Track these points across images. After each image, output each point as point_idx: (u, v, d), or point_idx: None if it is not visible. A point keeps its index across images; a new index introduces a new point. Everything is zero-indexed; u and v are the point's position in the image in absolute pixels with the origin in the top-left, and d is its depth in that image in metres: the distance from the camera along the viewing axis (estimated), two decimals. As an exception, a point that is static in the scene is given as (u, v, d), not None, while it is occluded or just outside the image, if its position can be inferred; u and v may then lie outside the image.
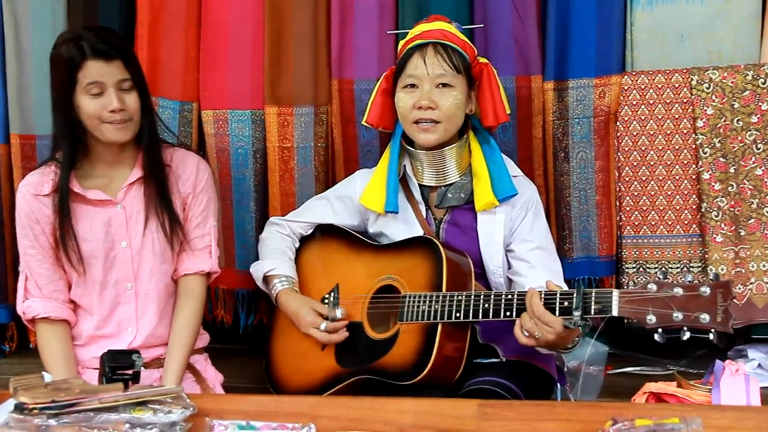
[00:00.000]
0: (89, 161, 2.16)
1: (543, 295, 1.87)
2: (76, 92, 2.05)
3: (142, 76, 2.14)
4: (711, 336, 1.68)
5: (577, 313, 1.81)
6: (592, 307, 1.80)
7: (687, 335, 1.69)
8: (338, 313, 2.17)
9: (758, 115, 2.52)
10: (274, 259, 2.31)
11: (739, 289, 2.54)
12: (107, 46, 2.05)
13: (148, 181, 2.17)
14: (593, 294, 1.81)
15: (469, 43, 2.22)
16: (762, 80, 2.51)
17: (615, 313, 1.77)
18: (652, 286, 1.71)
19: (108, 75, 2.05)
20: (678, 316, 1.68)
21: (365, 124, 2.32)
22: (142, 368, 1.73)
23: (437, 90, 2.13)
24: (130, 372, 1.68)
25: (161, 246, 2.19)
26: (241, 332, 2.85)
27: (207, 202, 2.26)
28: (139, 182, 2.18)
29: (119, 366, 1.68)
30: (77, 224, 2.15)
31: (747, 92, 2.51)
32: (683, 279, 1.70)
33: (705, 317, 1.66)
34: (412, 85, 2.16)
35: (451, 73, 2.13)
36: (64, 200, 2.11)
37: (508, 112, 2.25)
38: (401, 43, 2.26)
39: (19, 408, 1.47)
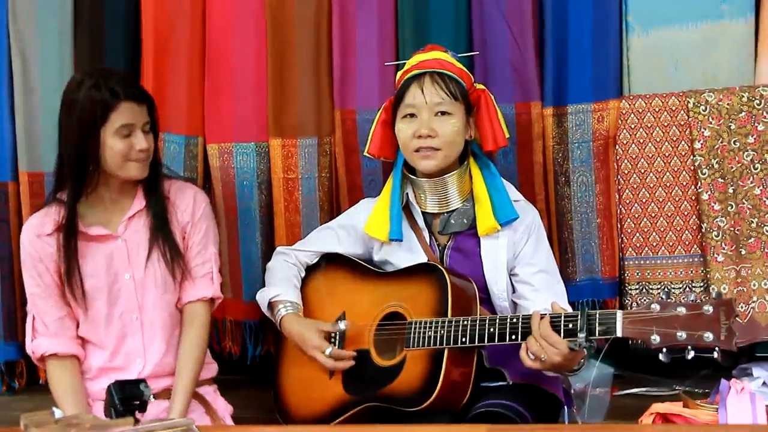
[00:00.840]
0: (89, 198, 2.21)
1: (549, 317, 1.89)
2: (103, 132, 2.11)
3: (156, 119, 2.22)
4: (715, 354, 1.69)
5: (581, 335, 1.83)
6: (597, 328, 1.82)
7: (691, 354, 1.70)
8: (342, 325, 2.19)
9: (755, 136, 2.54)
10: (280, 286, 2.34)
11: (742, 307, 2.54)
12: (138, 90, 2.16)
13: (148, 212, 2.22)
14: (597, 315, 1.83)
15: (466, 70, 2.26)
16: (757, 101, 2.53)
17: (619, 333, 1.78)
18: (656, 306, 1.73)
19: (138, 117, 2.14)
20: (682, 335, 1.69)
21: (367, 155, 2.35)
22: (152, 398, 1.75)
23: (436, 118, 2.16)
24: (138, 402, 1.70)
25: (163, 276, 2.22)
26: (249, 363, 2.85)
27: (206, 230, 2.30)
28: (140, 214, 2.23)
29: (127, 396, 1.69)
30: (81, 261, 2.18)
31: (743, 113, 2.54)
32: (686, 298, 1.72)
33: (709, 336, 1.67)
34: (412, 115, 2.19)
35: (449, 101, 2.17)
36: (70, 239, 2.15)
37: (507, 136, 2.28)
38: (399, 73, 2.30)
39: None
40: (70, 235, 2.16)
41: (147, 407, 1.70)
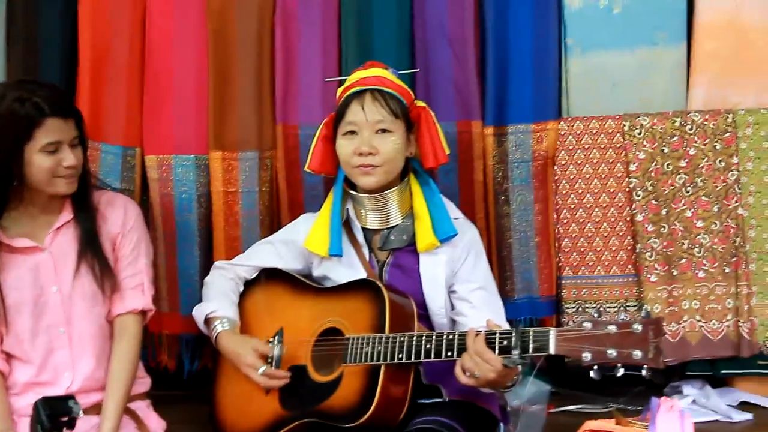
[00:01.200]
0: (14, 210, 2.15)
1: (484, 334, 1.91)
2: (27, 149, 2.04)
3: (84, 131, 2.16)
4: (644, 372, 1.72)
5: (515, 352, 1.84)
6: (531, 345, 1.84)
7: (621, 372, 1.73)
8: (277, 350, 2.17)
9: (686, 160, 2.61)
10: (217, 301, 2.31)
11: (673, 327, 2.60)
12: (65, 103, 2.08)
13: (77, 225, 2.18)
14: (531, 333, 1.85)
15: (406, 87, 2.27)
16: (689, 126, 2.61)
17: (552, 351, 1.81)
18: (588, 324, 1.76)
19: (65, 132, 2.07)
20: (612, 353, 1.72)
21: (308, 170, 2.35)
22: (81, 414, 1.71)
23: (377, 136, 2.18)
24: (66, 419, 1.66)
25: (92, 289, 2.18)
26: (185, 378, 2.81)
27: (137, 241, 2.26)
28: (67, 226, 2.18)
29: (55, 413, 1.66)
30: (4, 274, 2.13)
31: (676, 138, 2.61)
32: (618, 317, 1.75)
33: (637, 353, 1.71)
34: (352, 132, 2.20)
35: (390, 119, 2.18)
36: None
37: (448, 152, 2.30)
38: (340, 90, 2.30)
39: None
40: None
41: (76, 424, 1.67)
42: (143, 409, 2.30)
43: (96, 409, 2.17)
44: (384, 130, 2.18)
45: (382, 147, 2.17)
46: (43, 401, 1.68)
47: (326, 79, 2.60)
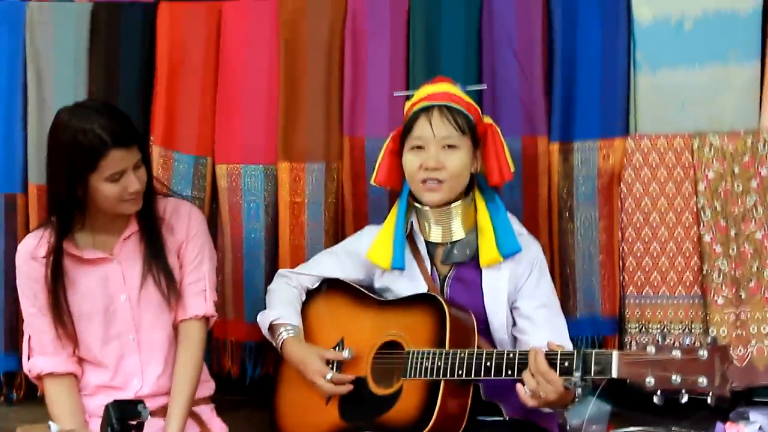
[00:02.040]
0: (83, 222, 2.20)
1: (545, 355, 1.90)
2: (91, 178, 2.07)
3: (147, 148, 2.20)
4: (709, 399, 1.69)
5: (577, 374, 1.83)
6: (592, 367, 1.83)
7: (685, 398, 1.71)
8: (347, 354, 2.19)
9: (758, 180, 2.55)
10: (281, 308, 2.35)
11: (740, 351, 2.55)
12: (127, 132, 2.08)
13: (142, 235, 2.22)
14: (593, 355, 1.84)
15: (474, 104, 2.28)
16: (761, 145, 2.55)
17: (614, 374, 1.79)
18: (651, 349, 1.74)
19: (128, 160, 2.08)
20: (677, 379, 1.70)
21: (374, 183, 2.38)
22: (149, 418, 1.77)
23: (443, 151, 2.19)
24: (135, 422, 1.71)
25: (158, 298, 2.22)
26: (248, 384, 2.85)
27: (201, 247, 2.30)
28: (135, 236, 2.23)
29: (125, 416, 1.71)
30: (76, 284, 2.19)
31: (747, 157, 2.56)
32: (683, 342, 1.72)
33: (703, 381, 1.68)
34: (419, 147, 2.21)
35: (457, 135, 2.19)
36: (56, 275, 2.15)
37: (513, 170, 2.29)
38: (407, 104, 2.32)
39: None
40: (56, 270, 2.15)
41: (143, 428, 1.72)
42: (207, 413, 2.35)
43: (162, 411, 2.22)
44: (451, 146, 2.19)
45: (449, 162, 2.18)
46: (113, 404, 1.73)
47: (395, 93, 2.62)
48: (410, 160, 2.22)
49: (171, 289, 2.22)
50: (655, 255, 2.64)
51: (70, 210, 2.13)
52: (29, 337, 2.23)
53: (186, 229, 2.28)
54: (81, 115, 2.07)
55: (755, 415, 2.60)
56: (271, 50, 2.80)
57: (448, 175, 2.18)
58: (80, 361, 2.25)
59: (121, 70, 2.85)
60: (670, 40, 2.62)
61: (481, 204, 2.27)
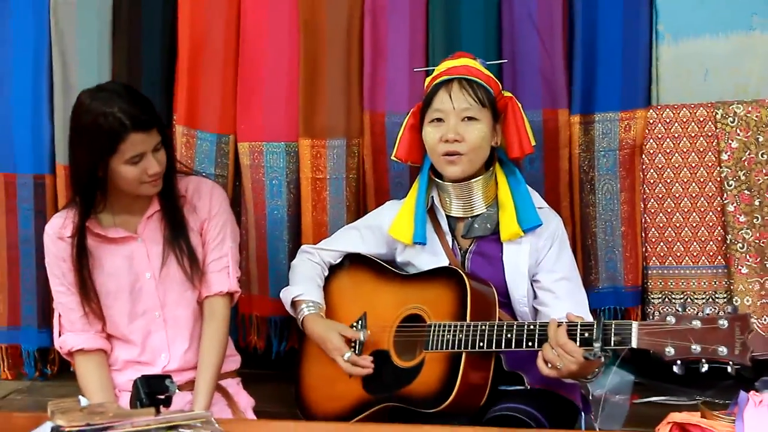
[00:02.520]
0: (108, 202, 2.23)
1: (565, 326, 1.91)
2: (111, 161, 2.10)
3: (166, 130, 2.21)
4: (729, 368, 1.70)
5: (597, 345, 1.84)
6: (612, 338, 1.83)
7: (705, 368, 1.71)
8: (362, 336, 2.23)
9: (783, 149, 2.54)
10: (303, 285, 2.38)
11: (765, 320, 2.54)
12: (146, 115, 2.10)
13: (164, 216, 2.25)
14: (613, 325, 1.85)
15: (494, 77, 2.28)
16: (787, 114, 2.53)
17: (634, 345, 1.80)
18: (671, 319, 1.74)
19: (148, 143, 2.11)
20: (696, 348, 1.70)
21: (394, 158, 2.39)
22: (177, 392, 1.80)
23: (463, 123, 2.19)
24: (163, 396, 1.74)
25: (181, 275, 2.26)
26: (273, 358, 2.90)
27: (223, 225, 2.32)
28: (157, 215, 2.26)
29: (153, 391, 1.73)
30: (102, 263, 2.23)
31: (772, 126, 2.54)
32: (702, 311, 1.72)
33: (723, 350, 1.68)
34: (439, 120, 2.22)
35: (476, 107, 2.19)
36: (81, 255, 2.19)
37: (534, 144, 2.29)
38: (428, 80, 2.32)
39: (56, 431, 1.50)
40: (80, 250, 2.19)
41: (171, 402, 1.75)
42: (234, 386, 2.38)
43: (190, 385, 2.26)
44: (470, 118, 2.19)
45: (468, 135, 2.18)
46: (142, 380, 1.75)
47: (415, 69, 2.62)
48: (430, 133, 2.23)
49: (193, 267, 2.25)
50: (677, 226, 2.63)
51: (92, 191, 2.17)
52: (59, 315, 2.28)
53: (208, 207, 2.31)
54: (101, 99, 2.09)
55: (780, 384, 2.60)
56: (291, 28, 2.81)
57: (467, 148, 2.18)
58: (109, 337, 2.30)
59: (144, 51, 2.88)
60: (692, 10, 2.60)
61: (501, 178, 2.27)
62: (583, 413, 2.27)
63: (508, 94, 2.31)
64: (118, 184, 2.16)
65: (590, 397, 2.35)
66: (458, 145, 2.18)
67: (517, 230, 2.19)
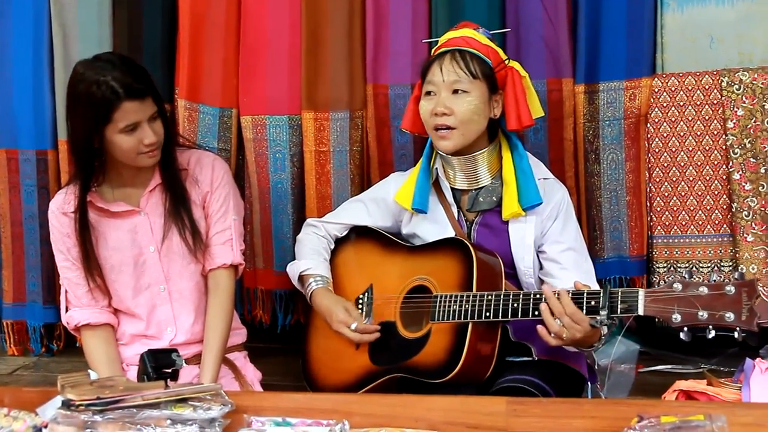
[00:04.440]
0: (110, 176, 2.24)
1: (570, 295, 1.92)
2: (107, 130, 2.09)
3: (162, 101, 2.19)
4: (736, 334, 1.71)
5: (603, 312, 1.85)
6: (618, 306, 1.84)
7: (712, 334, 1.72)
8: (367, 307, 2.24)
9: (789, 116, 2.54)
10: (310, 259, 2.38)
11: (771, 288, 2.56)
12: (140, 84, 2.09)
13: (165, 189, 2.25)
14: (619, 293, 1.85)
15: (495, 47, 2.24)
16: (792, 81, 2.52)
17: (641, 312, 1.80)
18: (678, 286, 1.74)
19: (142, 112, 2.09)
20: (703, 314, 1.71)
21: (402, 129, 2.38)
22: (184, 365, 1.80)
23: (453, 96, 2.17)
24: (170, 370, 1.74)
25: (184, 248, 2.26)
26: (279, 331, 2.92)
27: (225, 198, 2.31)
28: (159, 188, 2.26)
29: (160, 365, 1.74)
30: (106, 237, 2.24)
31: (777, 93, 2.53)
32: (709, 279, 1.73)
33: (730, 316, 1.69)
34: (431, 93, 2.20)
35: (467, 79, 2.16)
36: (83, 228, 2.19)
37: (538, 116, 2.27)
38: (433, 51, 2.31)
39: (67, 404, 1.52)
40: (83, 224, 2.19)
41: (178, 376, 1.76)
42: (240, 359, 2.39)
43: (197, 359, 2.27)
44: (460, 91, 2.17)
45: (457, 107, 2.16)
46: (149, 354, 1.77)
47: (423, 41, 2.61)
48: (423, 106, 2.22)
49: (196, 240, 2.25)
50: (683, 195, 2.64)
51: (90, 162, 2.17)
52: (65, 291, 2.29)
53: (210, 179, 2.30)
54: (96, 68, 2.08)
55: (786, 352, 2.61)
56: (293, 2, 2.80)
57: (456, 121, 2.16)
58: (116, 312, 2.31)
59: (145, 25, 2.88)
60: (698, -23, 2.58)
61: (506, 152, 2.24)
62: (589, 383, 2.28)
63: (514, 64, 2.26)
64: (116, 156, 2.16)
65: (596, 367, 2.37)
66: (447, 118, 2.16)
67: (517, 209, 2.17)
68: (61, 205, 2.24)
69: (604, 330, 1.91)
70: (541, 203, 2.18)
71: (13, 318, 3.06)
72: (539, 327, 1.95)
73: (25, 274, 3.01)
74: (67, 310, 2.28)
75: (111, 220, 2.25)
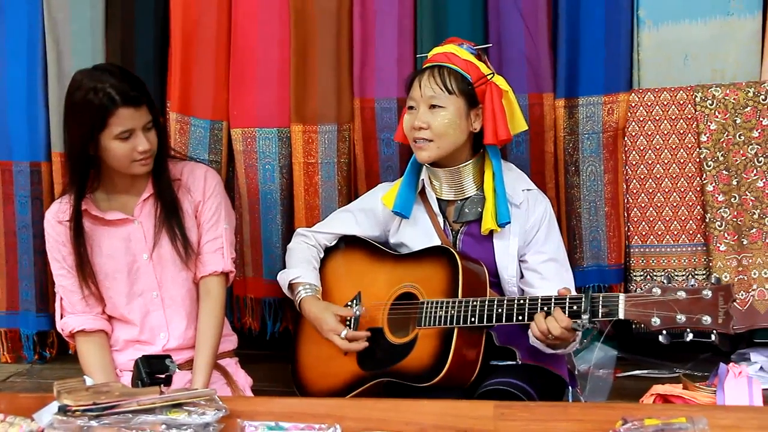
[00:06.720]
0: (104, 184, 2.28)
1: (553, 300, 1.98)
2: (102, 136, 2.14)
3: (158, 112, 2.24)
4: (713, 337, 1.75)
5: (585, 316, 1.91)
6: (600, 310, 1.90)
7: (690, 336, 1.77)
8: (357, 311, 2.29)
9: (759, 130, 2.60)
10: (300, 267, 2.43)
11: (742, 295, 2.62)
12: (136, 92, 2.14)
13: (157, 199, 2.29)
14: (601, 298, 1.91)
15: (475, 63, 2.27)
16: (762, 97, 2.60)
17: (621, 315, 1.85)
18: (657, 290, 1.80)
19: (137, 120, 2.15)
20: (681, 318, 1.76)
21: (395, 140, 2.45)
22: (177, 370, 1.85)
23: (429, 111, 2.23)
24: (163, 376, 1.78)
25: (175, 256, 2.30)
26: (268, 338, 2.95)
27: (217, 207, 2.36)
28: (152, 198, 2.30)
29: (153, 371, 1.78)
30: (101, 245, 2.28)
31: (748, 108, 2.60)
32: (687, 284, 1.77)
33: (707, 319, 1.74)
34: (412, 107, 2.27)
35: (443, 95, 2.22)
36: (78, 235, 2.23)
37: (524, 129, 2.34)
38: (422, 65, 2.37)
39: (63, 410, 1.54)
40: (77, 231, 2.24)
41: (172, 381, 1.80)
42: (232, 365, 2.44)
43: (189, 364, 2.31)
44: (436, 106, 2.23)
45: (433, 122, 2.22)
46: (142, 359, 1.81)
47: (418, 55, 2.68)
48: (405, 120, 2.29)
49: (186, 249, 2.30)
50: (659, 206, 2.71)
51: (85, 169, 2.21)
52: (61, 298, 2.32)
53: (202, 189, 2.35)
54: (94, 76, 2.15)
55: (756, 356, 2.68)
56: (282, 16, 2.84)
57: (433, 135, 2.22)
58: (110, 319, 2.34)
59: (137, 39, 2.91)
60: (672, -4, 2.66)
61: (488, 166, 2.29)
62: (570, 387, 2.33)
63: (497, 79, 2.29)
64: (110, 163, 2.20)
65: (576, 372, 2.43)
66: (424, 131, 2.22)
67: (493, 225, 2.22)
68: (57, 213, 2.28)
69: (578, 335, 1.97)
70: (509, 222, 2.23)
71: (6, 326, 3.09)
72: (532, 325, 2.00)
73: (18, 283, 3.04)
74: (62, 317, 2.32)
75: (105, 228, 2.29)
